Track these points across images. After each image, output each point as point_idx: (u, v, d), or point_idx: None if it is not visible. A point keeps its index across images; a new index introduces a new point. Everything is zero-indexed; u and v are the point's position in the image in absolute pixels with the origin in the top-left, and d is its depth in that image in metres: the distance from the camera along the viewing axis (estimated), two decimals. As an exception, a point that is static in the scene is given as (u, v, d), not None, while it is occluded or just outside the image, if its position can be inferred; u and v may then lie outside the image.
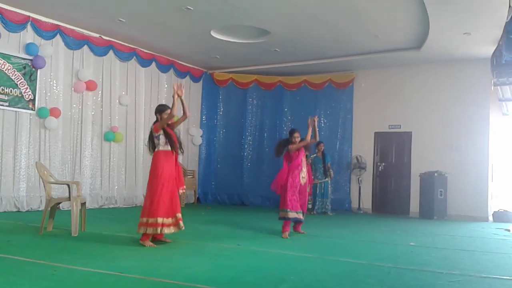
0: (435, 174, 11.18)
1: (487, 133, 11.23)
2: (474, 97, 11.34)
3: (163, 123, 5.88)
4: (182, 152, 6.20)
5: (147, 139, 12.03)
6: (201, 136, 13.75)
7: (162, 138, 5.88)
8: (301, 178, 7.30)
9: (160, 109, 6.05)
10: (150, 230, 5.68)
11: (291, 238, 6.94)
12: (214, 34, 10.47)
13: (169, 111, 5.92)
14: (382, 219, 10.68)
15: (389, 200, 12.36)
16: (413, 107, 12.08)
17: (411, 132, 12.11)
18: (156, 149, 5.92)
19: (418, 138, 11.99)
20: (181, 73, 13.08)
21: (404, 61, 11.78)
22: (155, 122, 6.04)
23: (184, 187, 6.14)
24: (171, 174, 5.88)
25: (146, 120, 11.93)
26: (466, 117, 11.39)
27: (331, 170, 11.47)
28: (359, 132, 12.80)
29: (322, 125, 13.19)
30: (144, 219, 5.70)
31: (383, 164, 12.50)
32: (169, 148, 5.93)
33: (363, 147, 12.68)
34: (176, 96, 5.88)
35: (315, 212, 11.13)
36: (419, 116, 11.97)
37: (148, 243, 5.72)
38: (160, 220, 5.66)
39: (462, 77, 11.53)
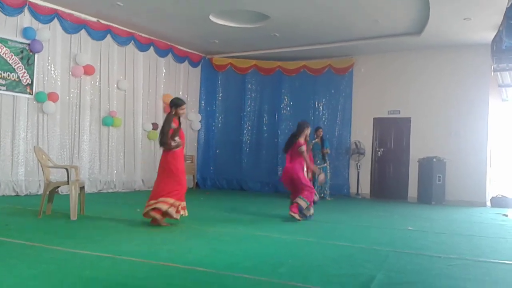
0: (434, 160, 11.20)
1: (486, 119, 11.23)
2: (474, 83, 11.31)
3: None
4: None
5: (146, 124, 12.05)
6: (200, 121, 13.72)
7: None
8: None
9: (176, 103, 6.18)
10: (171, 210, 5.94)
11: (289, 223, 6.96)
12: (213, 18, 10.39)
13: (184, 107, 6.21)
14: (380, 204, 10.72)
15: (388, 185, 12.39)
16: (412, 92, 12.05)
17: (410, 117, 12.10)
18: None
19: (417, 124, 11.98)
20: (180, 58, 13.01)
21: (404, 46, 11.72)
22: (169, 114, 6.17)
23: None
24: (182, 166, 6.26)
25: (144, 104, 11.91)
26: (466, 102, 11.37)
27: (327, 149, 11.41)
28: (358, 117, 12.79)
29: (321, 110, 13.20)
30: (170, 200, 5.93)
31: (382, 149, 12.51)
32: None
33: (362, 133, 12.68)
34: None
35: (313, 197, 11.13)
36: (419, 102, 11.95)
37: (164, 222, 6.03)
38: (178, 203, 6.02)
39: (462, 62, 11.48)
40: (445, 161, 11.26)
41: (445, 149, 11.40)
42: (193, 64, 13.59)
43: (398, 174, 12.27)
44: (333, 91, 13.12)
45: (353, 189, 12.66)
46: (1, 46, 8.95)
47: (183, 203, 6.15)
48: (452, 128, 11.51)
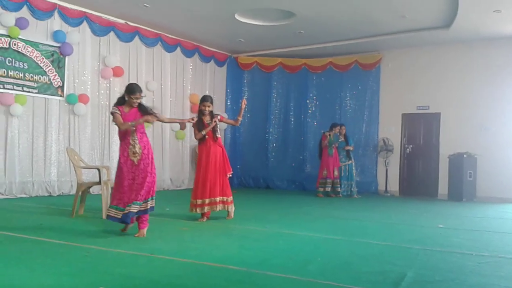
0: (464, 156, 10.98)
1: (518, 113, 10.98)
2: (504, 76, 11.06)
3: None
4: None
5: (173, 124, 12.18)
6: (226, 120, 13.77)
7: None
8: (130, 154, 5.60)
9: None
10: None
11: (317, 221, 6.95)
12: (238, 17, 10.43)
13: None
14: (409, 202, 10.58)
15: (417, 182, 12.23)
16: (441, 87, 11.85)
17: (439, 113, 11.90)
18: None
19: (447, 119, 11.78)
20: (206, 57, 13.09)
21: (433, 40, 11.54)
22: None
23: None
24: None
25: (172, 105, 12.04)
26: (496, 97, 11.13)
27: (351, 147, 11.32)
28: (386, 113, 12.65)
29: (348, 107, 13.11)
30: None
31: (411, 146, 12.34)
32: None
33: (390, 129, 12.53)
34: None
35: (341, 195, 11.10)
36: (448, 97, 11.75)
37: None
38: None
39: (491, 56, 11.24)
40: (476, 157, 11.04)
41: (476, 144, 11.18)
42: (219, 63, 13.66)
43: (427, 171, 12.09)
44: (360, 87, 13.00)
45: (381, 187, 12.53)
46: (32, 49, 9.18)
47: None
48: (482, 123, 11.28)
